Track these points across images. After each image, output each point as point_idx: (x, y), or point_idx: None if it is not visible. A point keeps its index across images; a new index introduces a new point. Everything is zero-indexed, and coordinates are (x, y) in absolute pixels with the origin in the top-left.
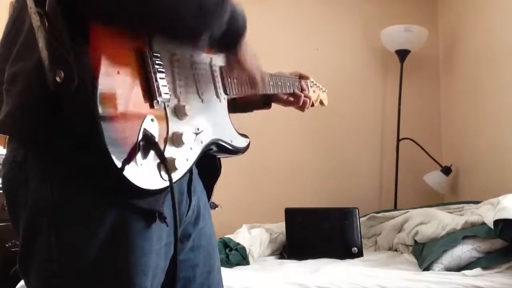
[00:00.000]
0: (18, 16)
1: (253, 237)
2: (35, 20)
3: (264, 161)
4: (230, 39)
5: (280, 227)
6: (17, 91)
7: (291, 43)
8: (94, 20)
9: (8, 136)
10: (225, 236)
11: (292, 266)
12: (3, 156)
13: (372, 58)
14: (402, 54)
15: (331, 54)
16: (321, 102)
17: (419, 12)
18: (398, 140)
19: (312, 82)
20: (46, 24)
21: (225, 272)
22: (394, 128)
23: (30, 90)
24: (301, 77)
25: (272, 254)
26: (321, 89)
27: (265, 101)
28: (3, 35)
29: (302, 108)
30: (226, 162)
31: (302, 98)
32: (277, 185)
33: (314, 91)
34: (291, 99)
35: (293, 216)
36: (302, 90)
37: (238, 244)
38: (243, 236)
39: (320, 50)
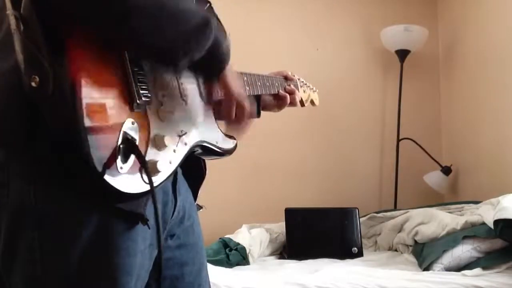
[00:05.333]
0: None
1: (253, 237)
2: (12, 23)
3: (264, 161)
4: (211, 65)
5: (280, 227)
6: None
7: (291, 43)
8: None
9: None
10: (225, 236)
11: (292, 266)
12: None
13: (372, 58)
14: (402, 54)
15: (331, 54)
16: (312, 102)
17: (419, 12)
18: (398, 140)
19: (302, 82)
20: (22, 27)
21: (225, 272)
22: (394, 128)
23: (6, 92)
24: (287, 78)
25: (272, 254)
26: (312, 88)
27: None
28: None
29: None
30: (226, 162)
31: (288, 98)
32: (277, 185)
33: (304, 91)
34: (280, 101)
35: (293, 216)
36: (289, 91)
37: (238, 244)
38: (243, 236)
39: (320, 50)
